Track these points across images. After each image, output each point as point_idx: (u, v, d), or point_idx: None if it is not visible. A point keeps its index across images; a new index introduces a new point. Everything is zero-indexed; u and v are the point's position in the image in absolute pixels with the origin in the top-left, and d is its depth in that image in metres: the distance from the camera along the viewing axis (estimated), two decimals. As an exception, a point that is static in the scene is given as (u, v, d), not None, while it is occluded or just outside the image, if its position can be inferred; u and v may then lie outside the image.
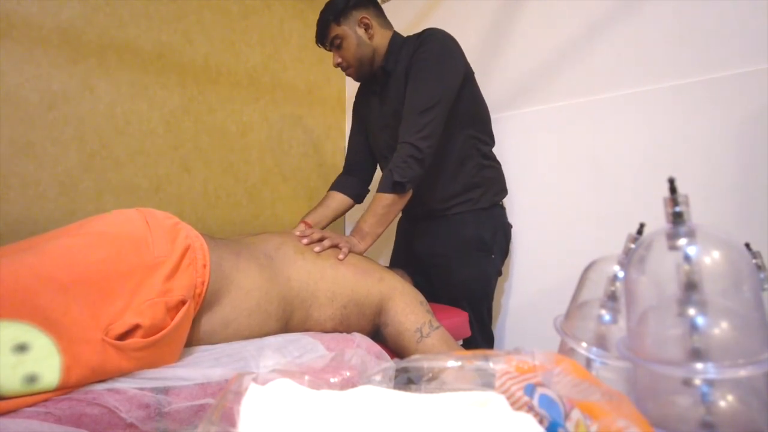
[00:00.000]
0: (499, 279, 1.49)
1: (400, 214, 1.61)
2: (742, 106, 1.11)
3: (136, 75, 1.56)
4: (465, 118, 1.36)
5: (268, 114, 1.93)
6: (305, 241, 1.07)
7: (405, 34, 1.42)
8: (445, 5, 1.80)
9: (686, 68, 1.20)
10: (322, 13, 1.36)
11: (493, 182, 1.44)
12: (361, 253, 1.19)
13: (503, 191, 1.48)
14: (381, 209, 1.24)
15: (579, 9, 1.40)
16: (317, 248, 1.07)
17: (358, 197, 1.58)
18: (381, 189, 1.25)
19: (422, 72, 1.28)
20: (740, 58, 1.12)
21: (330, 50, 1.41)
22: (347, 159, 1.63)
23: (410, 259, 1.50)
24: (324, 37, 1.38)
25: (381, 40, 1.39)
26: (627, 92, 1.31)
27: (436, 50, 1.30)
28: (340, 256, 1.07)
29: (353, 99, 1.65)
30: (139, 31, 1.56)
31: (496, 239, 1.41)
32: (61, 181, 1.41)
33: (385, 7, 2.03)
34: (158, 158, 1.61)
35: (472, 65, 1.39)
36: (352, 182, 1.56)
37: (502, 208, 1.47)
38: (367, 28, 1.36)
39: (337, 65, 1.40)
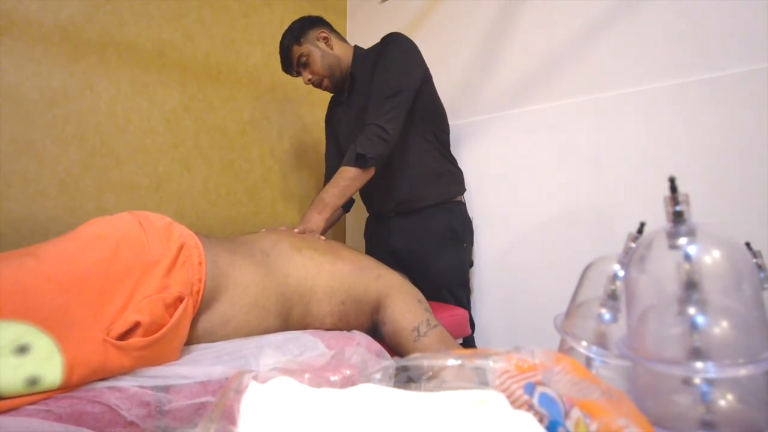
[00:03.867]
0: (499, 277, 1.50)
1: (369, 214, 1.65)
2: (742, 105, 1.11)
3: (137, 73, 1.56)
4: (424, 114, 1.45)
5: (268, 112, 1.93)
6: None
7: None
8: (445, 5, 1.79)
9: (687, 67, 1.20)
10: (282, 43, 1.48)
11: (455, 174, 1.53)
12: (318, 227, 1.27)
13: (463, 185, 1.55)
14: (343, 181, 1.31)
15: (579, 8, 1.40)
16: (295, 230, 1.18)
17: (346, 206, 1.63)
18: (345, 162, 1.32)
19: (388, 64, 1.37)
20: (741, 58, 1.11)
21: (298, 74, 1.51)
22: (327, 173, 1.67)
23: (386, 256, 1.51)
24: (290, 61, 1.48)
25: (342, 50, 1.50)
26: (627, 91, 1.30)
27: (401, 47, 1.40)
28: (295, 230, 1.16)
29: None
30: (140, 29, 1.56)
31: (466, 230, 1.50)
32: (62, 179, 1.41)
33: (384, 6, 2.04)
34: (158, 156, 1.61)
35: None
36: None
37: (464, 204, 1.55)
38: (326, 41, 1.48)
39: (309, 82, 1.50)
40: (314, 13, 1.55)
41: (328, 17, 2.02)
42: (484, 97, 1.62)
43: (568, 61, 1.43)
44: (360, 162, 1.29)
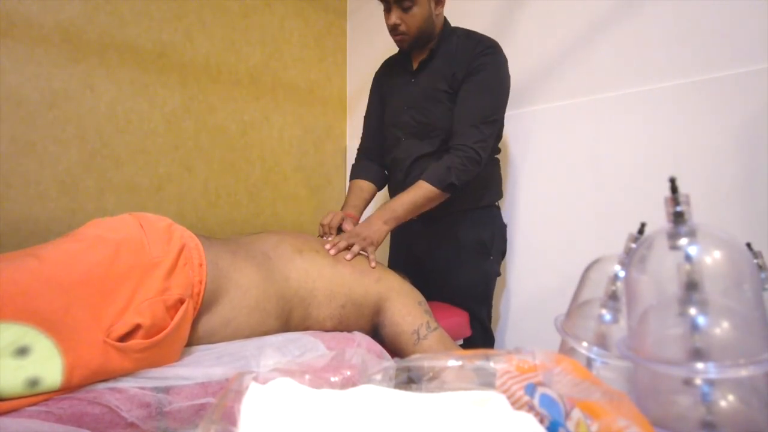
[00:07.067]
0: (500, 278, 1.49)
1: None
2: (742, 105, 1.11)
3: (137, 74, 1.56)
4: None
5: (268, 113, 1.93)
6: (333, 251, 1.07)
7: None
8: (446, 4, 1.79)
9: (687, 68, 1.20)
10: None
11: (494, 180, 1.44)
12: (378, 239, 1.19)
13: (500, 192, 1.47)
14: (422, 200, 1.24)
15: (580, 9, 1.40)
16: (348, 256, 1.07)
17: (381, 185, 1.53)
18: (431, 181, 1.23)
19: (491, 82, 1.29)
20: (740, 58, 1.11)
21: (387, 5, 1.30)
22: (366, 143, 1.56)
23: (409, 262, 1.48)
24: None
25: (439, 22, 1.36)
26: (628, 92, 1.30)
27: (502, 64, 1.32)
28: (348, 257, 1.07)
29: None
30: (140, 30, 1.56)
31: (494, 241, 1.41)
32: (62, 180, 1.41)
33: (385, 6, 2.03)
34: (159, 157, 1.62)
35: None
36: (376, 169, 1.51)
37: (498, 209, 1.47)
38: (438, 4, 1.32)
39: (394, 25, 1.30)
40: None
41: (327, 17, 2.03)
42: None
43: (568, 62, 1.43)
44: (449, 189, 1.23)
